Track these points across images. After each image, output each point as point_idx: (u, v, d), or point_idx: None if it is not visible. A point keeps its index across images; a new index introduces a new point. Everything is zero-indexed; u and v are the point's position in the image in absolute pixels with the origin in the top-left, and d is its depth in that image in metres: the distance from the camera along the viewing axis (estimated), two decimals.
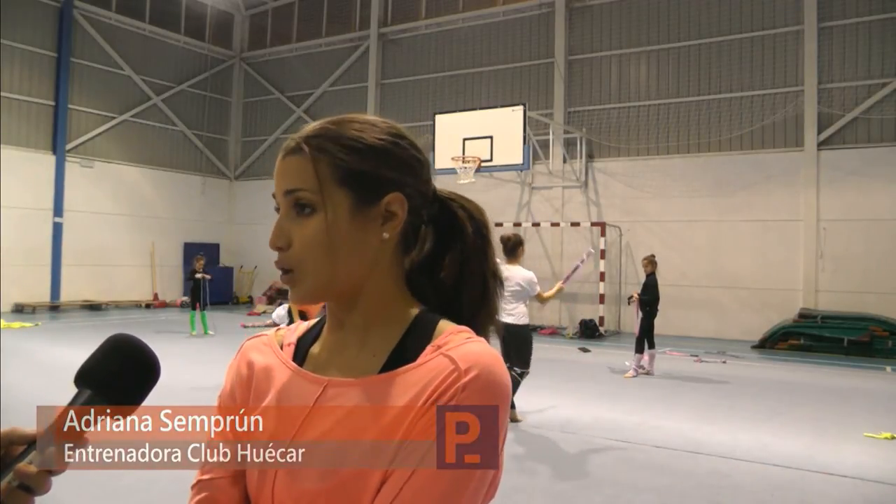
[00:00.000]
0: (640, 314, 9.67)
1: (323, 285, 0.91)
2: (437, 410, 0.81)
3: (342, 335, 0.95)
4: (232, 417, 0.97)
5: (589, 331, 14.64)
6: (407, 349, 0.89)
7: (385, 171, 0.91)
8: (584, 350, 12.67)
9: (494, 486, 0.88)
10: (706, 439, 5.95)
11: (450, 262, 0.97)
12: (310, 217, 0.89)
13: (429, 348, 0.87)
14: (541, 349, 12.62)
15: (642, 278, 15.65)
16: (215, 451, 0.95)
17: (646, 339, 9.68)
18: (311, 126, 0.94)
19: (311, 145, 0.90)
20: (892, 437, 6.38)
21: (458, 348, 0.85)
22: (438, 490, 0.78)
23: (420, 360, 0.86)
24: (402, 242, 0.95)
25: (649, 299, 9.63)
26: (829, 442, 6.10)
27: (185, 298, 19.69)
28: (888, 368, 10.93)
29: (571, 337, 14.67)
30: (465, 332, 0.89)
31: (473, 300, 0.97)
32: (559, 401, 7.78)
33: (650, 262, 9.92)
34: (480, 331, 0.94)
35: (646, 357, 9.80)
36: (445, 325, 0.91)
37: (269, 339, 1.02)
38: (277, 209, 0.93)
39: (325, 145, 0.90)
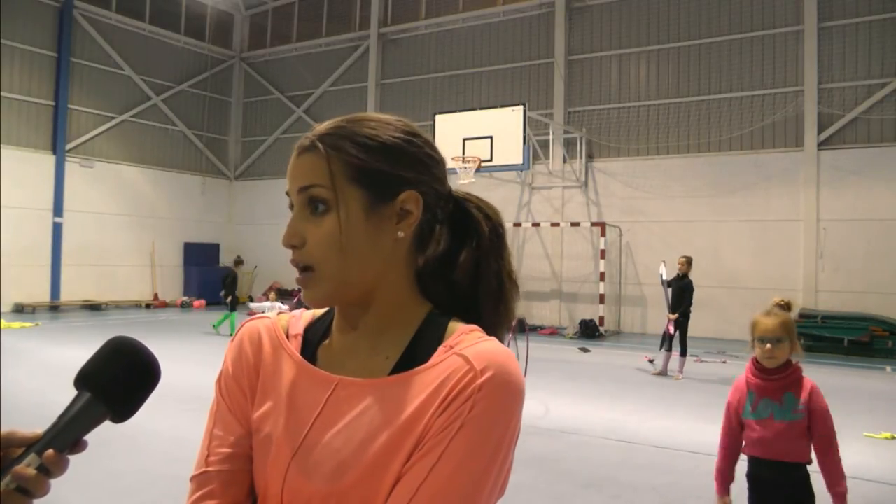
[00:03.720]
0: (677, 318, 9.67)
1: (338, 287, 0.89)
2: (454, 411, 0.80)
3: (353, 337, 0.93)
4: (239, 404, 0.95)
5: (589, 331, 14.64)
6: (418, 350, 0.88)
7: (399, 169, 0.90)
8: (584, 350, 12.66)
9: (505, 484, 0.88)
10: (706, 439, 5.94)
11: (464, 261, 0.96)
12: (324, 215, 0.88)
13: (441, 348, 0.86)
14: (541, 349, 12.64)
15: (643, 278, 15.70)
16: (219, 440, 0.94)
17: (677, 342, 9.71)
18: (325, 124, 0.93)
19: (325, 143, 0.90)
20: (892, 437, 6.39)
21: (472, 347, 0.84)
22: (456, 489, 0.78)
23: (433, 360, 0.85)
24: (416, 242, 0.94)
25: (688, 302, 9.66)
26: None
27: (185, 298, 19.71)
28: (888, 368, 10.93)
29: (571, 337, 14.66)
30: (476, 331, 0.89)
31: (490, 300, 0.96)
32: (559, 401, 7.78)
33: (688, 262, 9.86)
34: (496, 331, 0.93)
35: (662, 357, 9.89)
36: (456, 325, 0.90)
37: (273, 323, 0.99)
38: (292, 207, 0.92)
39: (340, 143, 0.89)
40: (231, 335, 9.85)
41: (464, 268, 0.95)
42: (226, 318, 13.16)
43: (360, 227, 0.88)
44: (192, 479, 0.92)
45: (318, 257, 0.88)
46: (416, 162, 0.92)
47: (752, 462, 2.93)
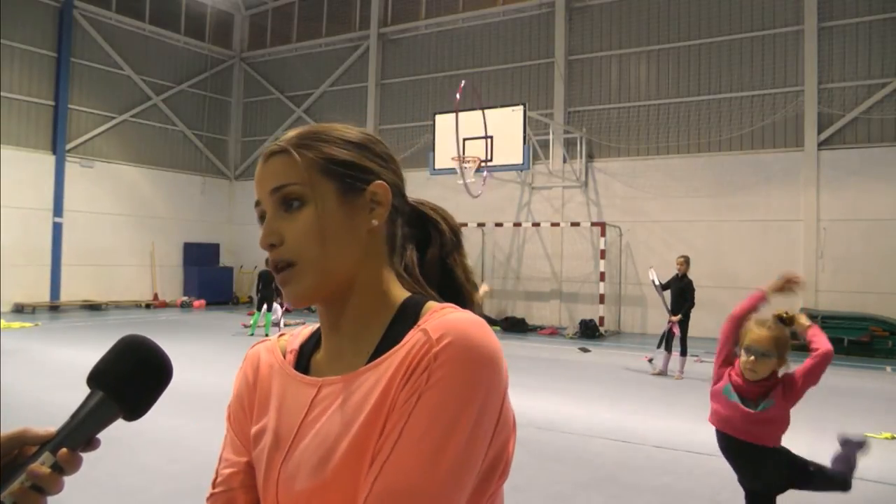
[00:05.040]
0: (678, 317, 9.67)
1: (320, 281, 0.90)
2: (413, 384, 0.80)
3: (338, 340, 0.95)
4: (242, 428, 1.00)
5: (589, 331, 14.64)
6: (394, 336, 0.88)
7: (366, 161, 0.94)
8: (584, 350, 12.66)
9: (506, 461, 0.87)
10: (706, 439, 5.93)
11: (430, 260, 1.00)
12: (299, 210, 0.90)
13: (413, 329, 0.86)
14: (541, 349, 12.64)
15: (643, 278, 15.69)
16: (227, 462, 0.99)
17: (677, 342, 9.71)
18: (290, 132, 0.96)
19: (293, 144, 0.93)
20: (892, 437, 6.39)
21: (434, 321, 0.84)
22: (420, 461, 0.77)
23: (403, 341, 0.85)
24: (388, 239, 0.96)
25: (690, 302, 9.68)
26: (829, 442, 6.08)
27: (185, 298, 19.71)
28: (888, 368, 10.93)
29: (571, 337, 14.66)
30: (448, 307, 0.88)
31: (456, 298, 0.98)
32: (559, 401, 7.78)
33: (686, 261, 9.89)
34: None
35: (662, 357, 9.88)
36: (431, 305, 0.90)
37: (272, 344, 1.03)
38: (261, 218, 0.93)
39: (308, 143, 0.93)
40: (266, 333, 9.84)
41: (430, 266, 1.00)
42: (267, 318, 13.14)
43: (336, 218, 0.90)
44: (207, 500, 0.98)
45: (298, 250, 0.89)
46: (379, 156, 0.97)
47: (722, 440, 2.99)
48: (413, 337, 0.84)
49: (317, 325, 1.03)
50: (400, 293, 0.94)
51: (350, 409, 0.84)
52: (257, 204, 0.94)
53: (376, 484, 0.77)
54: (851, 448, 3.23)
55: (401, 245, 0.98)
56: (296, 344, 1.02)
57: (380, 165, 0.95)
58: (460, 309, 0.87)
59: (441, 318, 0.84)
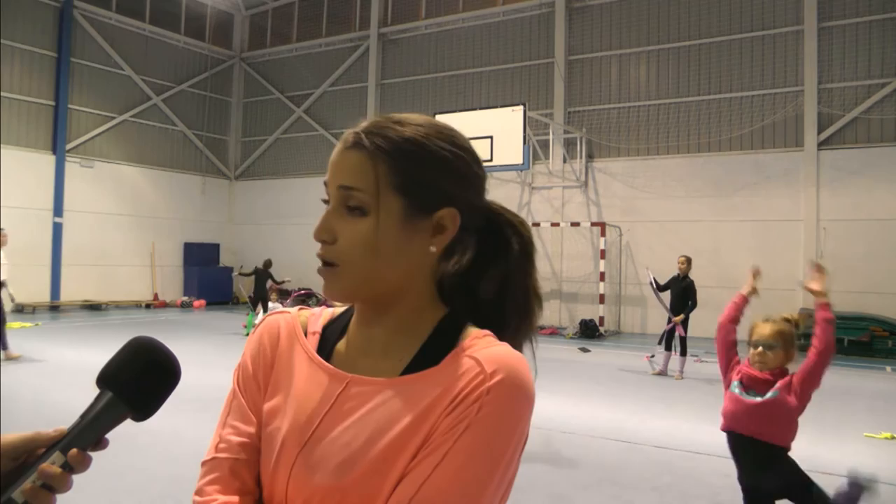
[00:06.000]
0: (681, 316, 9.68)
1: (360, 286, 0.89)
2: (461, 411, 0.81)
3: (369, 337, 0.93)
4: (253, 398, 0.96)
5: (589, 331, 14.63)
6: (431, 353, 0.88)
7: (443, 184, 0.89)
8: (584, 350, 12.66)
9: (509, 488, 0.88)
10: (706, 439, 5.95)
11: (492, 276, 0.95)
12: (360, 217, 0.87)
13: (453, 352, 0.87)
14: (541, 349, 12.60)
15: (643, 278, 15.69)
16: (232, 429, 0.95)
17: (677, 342, 9.72)
18: (375, 122, 0.92)
19: (374, 143, 0.88)
20: (892, 437, 6.39)
21: (484, 350, 0.85)
22: (459, 489, 0.79)
23: (444, 363, 0.86)
24: (443, 252, 0.93)
25: (693, 302, 9.71)
26: (829, 442, 6.10)
27: (185, 298, 19.72)
28: (888, 368, 10.93)
29: (571, 337, 14.66)
30: (489, 335, 0.89)
31: (514, 316, 0.96)
32: (559, 401, 7.78)
33: (688, 261, 9.91)
34: (517, 343, 0.93)
35: (663, 356, 9.89)
36: (470, 330, 0.91)
37: (293, 318, 1.00)
38: (326, 201, 0.91)
39: (388, 147, 0.88)
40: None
41: (491, 282, 0.96)
42: (253, 318, 13.20)
43: (394, 235, 0.88)
44: (203, 463, 0.94)
45: (347, 257, 0.88)
46: (460, 178, 0.91)
47: (731, 440, 3.04)
48: (460, 362, 0.84)
49: (341, 309, 1.01)
50: (439, 309, 0.93)
51: (383, 418, 0.84)
52: (326, 184, 0.92)
53: (414, 501, 0.79)
54: (857, 490, 3.21)
55: (456, 259, 0.94)
56: (318, 326, 0.99)
57: (457, 188, 0.90)
58: (497, 340, 0.89)
59: (489, 350, 0.85)
